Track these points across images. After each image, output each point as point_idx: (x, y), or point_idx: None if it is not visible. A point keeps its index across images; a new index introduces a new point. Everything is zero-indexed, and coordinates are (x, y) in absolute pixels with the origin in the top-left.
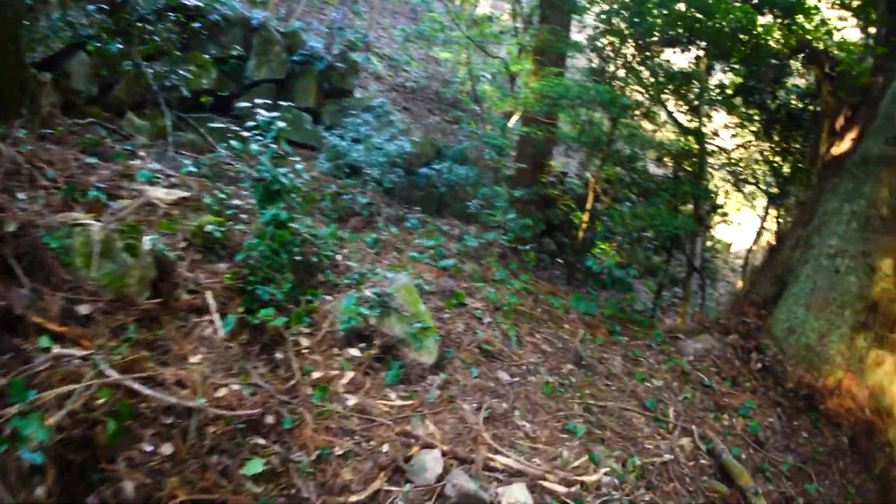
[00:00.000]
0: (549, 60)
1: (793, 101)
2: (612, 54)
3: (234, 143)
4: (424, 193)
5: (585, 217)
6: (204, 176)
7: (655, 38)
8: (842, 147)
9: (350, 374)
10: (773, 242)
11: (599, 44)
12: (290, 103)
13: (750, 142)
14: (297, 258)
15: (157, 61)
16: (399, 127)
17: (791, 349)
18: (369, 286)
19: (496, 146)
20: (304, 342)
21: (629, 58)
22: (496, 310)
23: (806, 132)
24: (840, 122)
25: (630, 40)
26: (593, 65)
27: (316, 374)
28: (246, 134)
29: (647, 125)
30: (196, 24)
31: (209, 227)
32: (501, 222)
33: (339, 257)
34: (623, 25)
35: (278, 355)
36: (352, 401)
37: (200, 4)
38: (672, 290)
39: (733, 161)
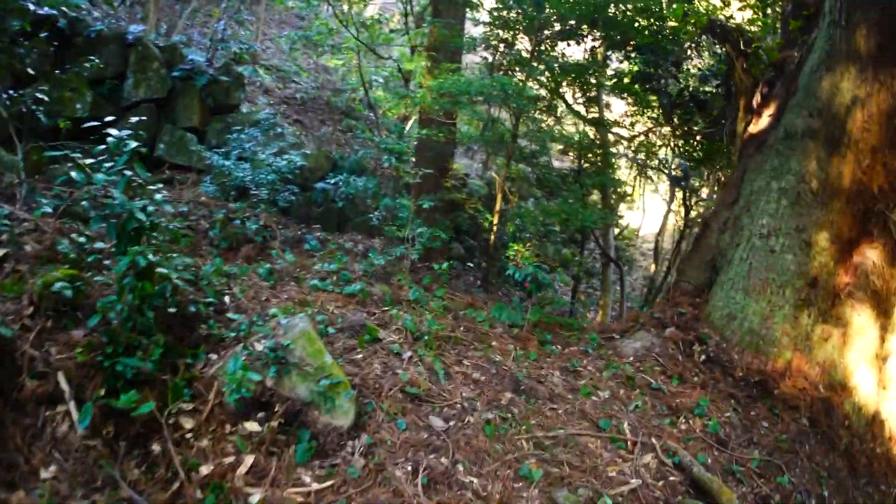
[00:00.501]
0: (444, 57)
1: (694, 84)
2: (506, 49)
3: (74, 173)
4: (323, 210)
5: (495, 219)
6: (66, 215)
7: (548, 33)
8: (760, 124)
9: (250, 459)
10: (697, 228)
11: (494, 40)
12: (172, 123)
13: (651, 128)
14: (171, 310)
15: (27, 86)
16: (289, 141)
17: (734, 336)
18: (261, 338)
19: (394, 152)
20: (187, 424)
21: (524, 53)
22: (416, 340)
23: (709, 113)
24: (756, 98)
25: (524, 34)
26: (489, 60)
27: (205, 469)
28: (90, 160)
29: (548, 119)
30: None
31: (58, 285)
32: (408, 234)
33: (226, 299)
34: (518, 18)
35: (155, 447)
36: (256, 496)
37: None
38: (588, 283)
39: (636, 148)
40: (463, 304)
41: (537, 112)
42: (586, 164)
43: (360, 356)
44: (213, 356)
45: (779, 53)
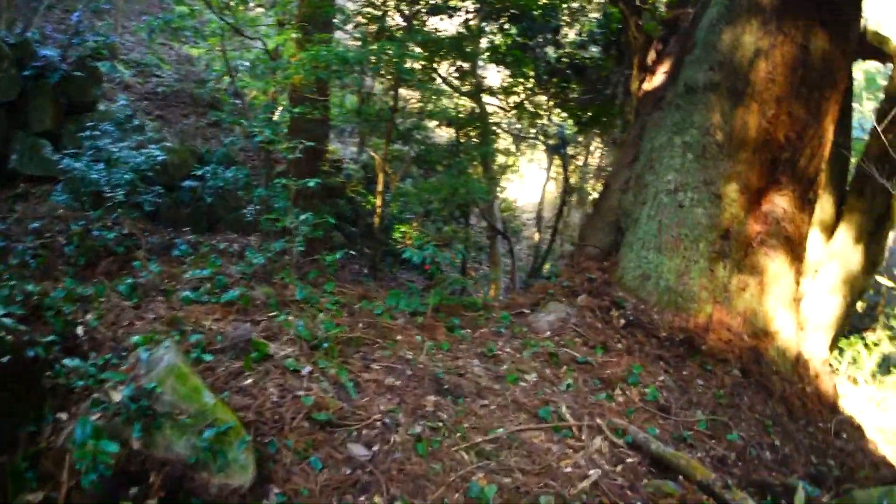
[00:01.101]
0: (315, 29)
1: (572, 51)
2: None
3: None
4: (192, 210)
5: (378, 201)
6: None
7: (422, 6)
8: (655, 81)
9: None
10: (576, 196)
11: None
12: (24, 129)
13: (527, 97)
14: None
15: None
16: (150, 136)
17: (651, 296)
18: (117, 384)
19: (266, 135)
20: None
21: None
22: (314, 349)
23: (589, 79)
24: (651, 56)
25: (395, 9)
26: (357, 37)
27: None
28: None
29: (426, 94)
30: None
31: None
32: (290, 224)
33: (78, 330)
34: None
35: None
36: None
37: None
38: (475, 259)
39: (514, 118)
40: (356, 297)
41: (414, 85)
42: (465, 139)
43: (250, 381)
44: (63, 415)
45: (672, 11)
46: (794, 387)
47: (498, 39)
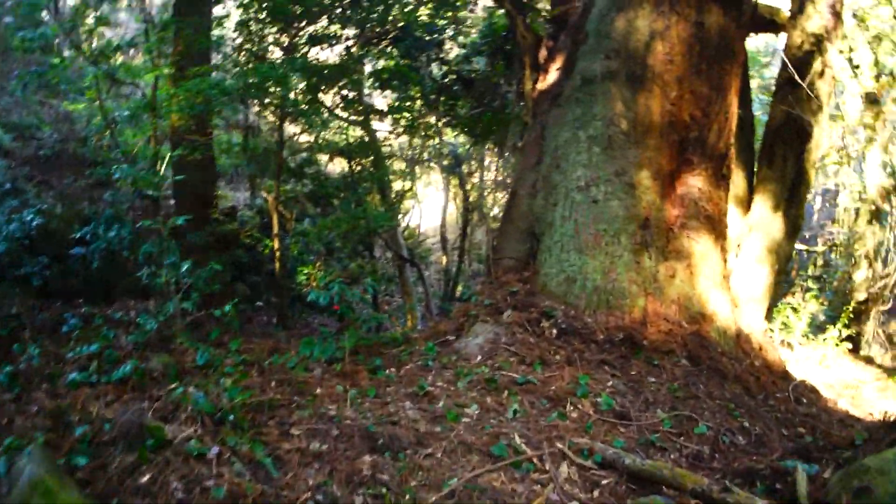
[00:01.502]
0: (192, 63)
1: (458, 65)
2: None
3: None
4: (82, 279)
5: (276, 244)
6: None
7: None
8: (549, 79)
9: None
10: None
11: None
12: None
13: (414, 120)
14: None
15: None
16: (29, 201)
17: (580, 300)
18: None
19: (146, 184)
20: None
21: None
22: (219, 423)
23: (478, 91)
24: (542, 54)
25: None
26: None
27: None
28: None
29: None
30: None
31: None
32: (174, 278)
33: None
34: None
35: None
36: None
37: None
38: (386, 291)
39: (405, 143)
40: (265, 352)
41: (300, 118)
42: (358, 168)
43: (147, 478)
44: None
45: (560, 7)
46: (742, 364)
47: (381, 63)
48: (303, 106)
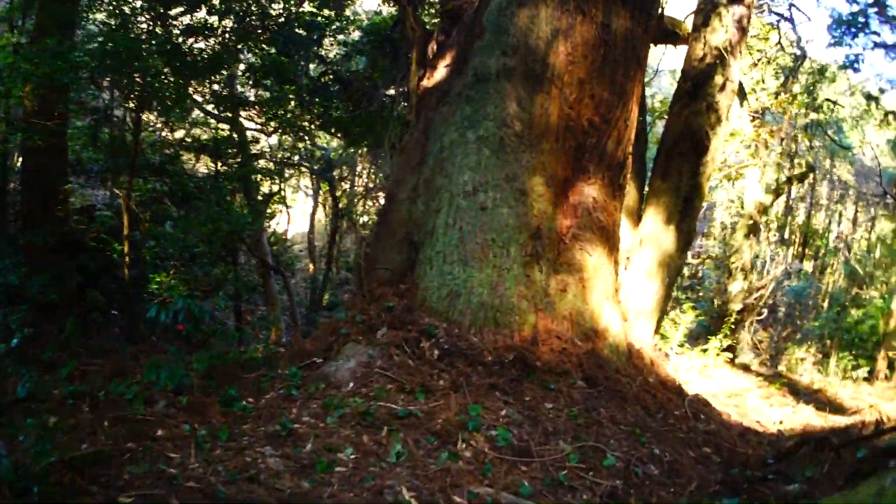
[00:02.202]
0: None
1: (336, 64)
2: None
3: None
4: None
5: (126, 248)
6: None
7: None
8: (437, 76)
9: None
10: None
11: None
12: None
13: (287, 119)
14: None
15: None
16: None
17: (465, 316)
18: None
19: None
20: None
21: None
22: (22, 495)
23: (356, 91)
24: (432, 48)
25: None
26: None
27: None
28: None
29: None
30: None
31: None
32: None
33: None
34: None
35: None
36: None
37: None
38: (251, 300)
39: (276, 144)
40: (106, 376)
41: (162, 109)
42: (224, 168)
43: None
44: None
45: (454, 1)
46: (637, 381)
47: (256, 59)
48: (167, 93)
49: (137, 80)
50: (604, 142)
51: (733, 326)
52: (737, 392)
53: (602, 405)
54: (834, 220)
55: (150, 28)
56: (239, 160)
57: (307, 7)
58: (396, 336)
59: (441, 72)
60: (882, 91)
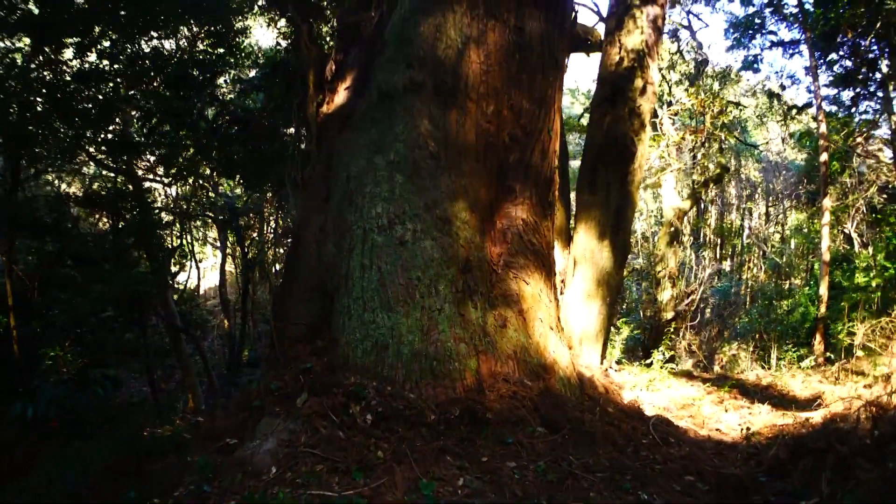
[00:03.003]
0: None
1: (233, 101)
2: None
3: None
4: None
5: (12, 321)
6: None
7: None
8: (338, 99)
9: None
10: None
11: None
12: None
13: (185, 166)
14: None
15: None
16: None
17: (397, 370)
18: None
19: None
20: None
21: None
22: None
23: (256, 130)
24: (330, 69)
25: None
26: None
27: None
28: None
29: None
30: None
31: None
32: None
33: None
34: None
35: None
36: None
37: None
38: (167, 365)
39: (175, 198)
40: None
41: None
42: (122, 223)
43: None
44: None
45: (351, 17)
46: (597, 415)
47: (149, 104)
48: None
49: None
50: (528, 156)
51: (673, 337)
52: (688, 402)
53: (570, 452)
54: (745, 218)
55: (39, 74)
56: (136, 213)
57: (200, 46)
58: (319, 404)
59: (342, 95)
60: (783, 87)
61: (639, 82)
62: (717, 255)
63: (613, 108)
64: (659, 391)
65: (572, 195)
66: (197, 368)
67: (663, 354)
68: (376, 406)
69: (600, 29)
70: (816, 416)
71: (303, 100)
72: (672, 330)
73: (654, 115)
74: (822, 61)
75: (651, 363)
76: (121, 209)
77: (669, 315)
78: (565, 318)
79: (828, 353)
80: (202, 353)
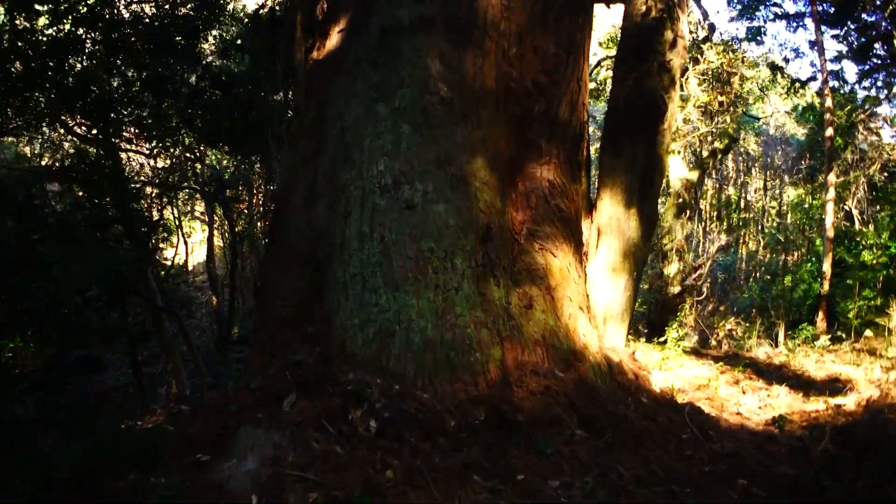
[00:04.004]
0: None
1: (215, 65)
2: None
3: None
4: None
5: None
6: None
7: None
8: (331, 42)
9: None
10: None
11: None
12: None
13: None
14: None
15: None
16: None
17: (406, 364)
18: None
19: None
20: None
21: None
22: None
23: (240, 93)
24: (321, 7)
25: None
26: None
27: None
28: None
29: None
30: None
31: None
32: None
33: None
34: None
35: None
36: None
37: None
38: (153, 346)
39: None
40: None
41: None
42: (99, 197)
43: None
44: None
45: None
46: (632, 408)
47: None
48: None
49: None
50: (555, 108)
51: (685, 312)
52: (703, 382)
53: (616, 460)
54: (743, 191)
55: (13, 46)
56: (115, 187)
57: (183, 10)
58: (312, 408)
59: (335, 38)
60: (787, 60)
61: (668, 34)
62: (724, 229)
63: (640, 63)
64: (671, 370)
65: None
66: (182, 352)
67: (677, 332)
68: (382, 410)
69: None
70: (849, 403)
71: (289, 46)
72: (669, 304)
73: (682, 72)
74: (833, 34)
75: (665, 340)
76: (99, 182)
77: (676, 289)
78: (595, 293)
79: (833, 331)
80: (186, 333)
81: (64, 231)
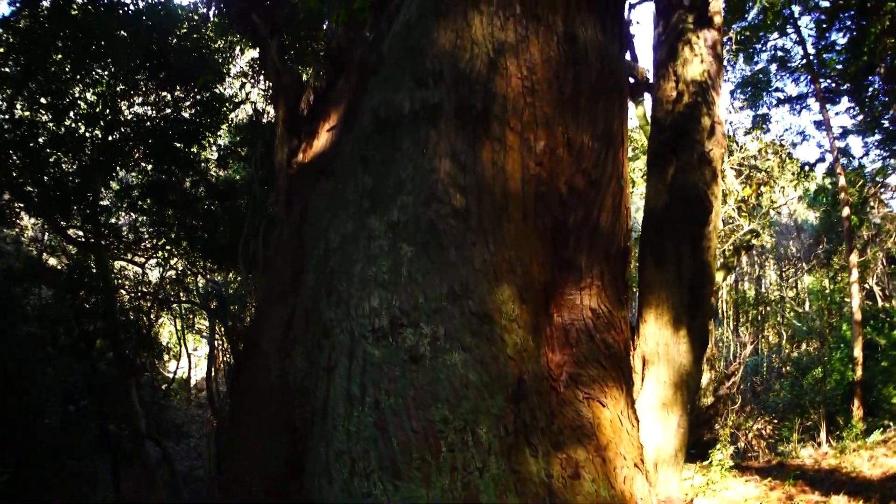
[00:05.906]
0: None
1: (213, 173)
2: None
3: None
4: None
5: None
6: None
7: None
8: (319, 144)
9: None
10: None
11: None
12: None
13: (170, 252)
14: None
15: None
16: None
17: None
18: None
19: None
20: None
21: None
22: None
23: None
24: (307, 99)
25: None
26: None
27: None
28: None
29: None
30: None
31: None
32: None
33: None
34: None
35: None
36: None
37: None
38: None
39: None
40: None
41: None
42: (87, 306)
43: None
44: None
45: (336, 42)
46: None
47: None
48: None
49: None
50: (595, 216)
51: (733, 430)
52: None
53: None
54: (758, 285)
55: (13, 136)
56: (100, 297)
57: (185, 114)
58: None
59: (324, 138)
60: (794, 145)
61: (706, 121)
62: (736, 328)
63: (678, 156)
64: (715, 493)
65: None
66: (165, 484)
67: (723, 454)
68: None
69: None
70: None
71: (269, 145)
72: (703, 417)
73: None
74: (838, 111)
75: (710, 462)
76: (86, 288)
77: (709, 400)
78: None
79: (878, 421)
80: (171, 464)
81: (39, 340)
